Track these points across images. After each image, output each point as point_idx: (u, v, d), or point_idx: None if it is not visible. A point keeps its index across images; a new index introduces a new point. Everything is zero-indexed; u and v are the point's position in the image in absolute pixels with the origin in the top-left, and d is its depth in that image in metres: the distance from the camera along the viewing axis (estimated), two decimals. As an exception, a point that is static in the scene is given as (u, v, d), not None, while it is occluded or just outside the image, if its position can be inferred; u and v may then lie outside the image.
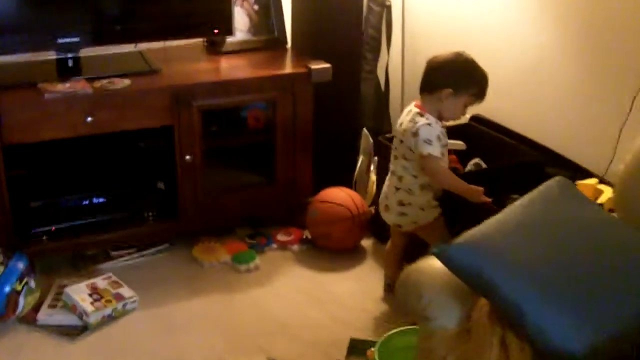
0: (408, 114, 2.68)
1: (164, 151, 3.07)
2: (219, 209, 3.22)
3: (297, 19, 3.48)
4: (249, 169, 3.35)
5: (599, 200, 2.59)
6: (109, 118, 2.91)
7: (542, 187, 2.02)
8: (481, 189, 2.65)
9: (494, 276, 1.71)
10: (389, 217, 2.79)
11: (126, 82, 2.96)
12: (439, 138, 2.61)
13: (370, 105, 3.71)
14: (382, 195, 2.82)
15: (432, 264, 1.92)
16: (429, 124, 2.60)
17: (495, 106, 3.24)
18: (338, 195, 3.19)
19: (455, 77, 2.61)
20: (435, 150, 2.59)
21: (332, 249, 3.19)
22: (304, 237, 3.29)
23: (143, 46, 3.31)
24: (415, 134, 2.60)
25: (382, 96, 3.72)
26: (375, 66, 3.70)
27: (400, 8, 3.64)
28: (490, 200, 2.66)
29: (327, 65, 3.15)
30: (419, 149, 2.59)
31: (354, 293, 2.96)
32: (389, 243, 2.92)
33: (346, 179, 3.48)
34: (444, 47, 3.50)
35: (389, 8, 3.61)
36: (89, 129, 2.90)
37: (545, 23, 3.03)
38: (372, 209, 3.26)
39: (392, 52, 3.67)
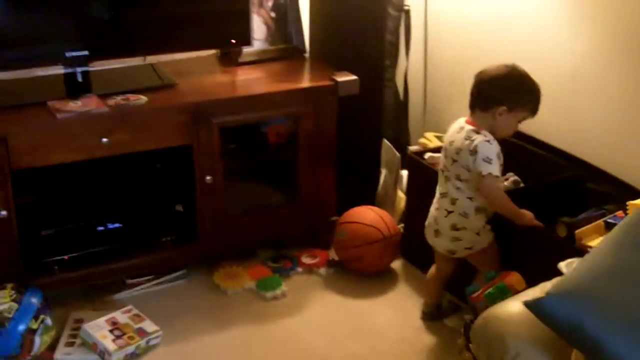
0: (460, 131, 2.52)
1: (182, 172, 2.87)
2: (240, 231, 3.03)
3: (315, 26, 3.29)
4: (270, 188, 3.17)
5: (657, 222, 2.46)
6: (125, 138, 2.70)
7: (625, 222, 1.86)
8: (532, 214, 2.52)
9: (597, 330, 1.56)
10: (440, 243, 2.61)
11: (143, 98, 2.76)
12: (498, 156, 2.46)
13: (389, 115, 3.55)
14: (429, 220, 2.65)
15: (513, 311, 1.77)
16: (488, 141, 2.45)
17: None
18: (367, 215, 3.01)
19: (511, 93, 2.47)
20: (495, 169, 2.43)
21: (362, 272, 3.01)
22: (331, 259, 3.11)
23: (152, 59, 3.07)
24: (474, 151, 2.44)
25: (401, 105, 3.55)
26: (394, 74, 3.52)
27: (422, 12, 3.46)
28: (541, 224, 2.53)
29: (354, 77, 2.97)
30: (478, 167, 2.43)
31: (391, 321, 2.79)
32: (432, 269, 2.75)
33: (369, 195, 3.32)
34: (469, 53, 3.39)
35: (407, 12, 3.42)
36: (104, 151, 2.69)
37: (583, 27, 2.86)
38: (401, 227, 3.11)
39: (411, 58, 3.51)
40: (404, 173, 3.20)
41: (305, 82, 2.97)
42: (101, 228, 2.84)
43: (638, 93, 2.74)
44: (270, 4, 3.15)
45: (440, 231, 2.60)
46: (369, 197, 3.32)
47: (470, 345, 2.29)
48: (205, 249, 2.98)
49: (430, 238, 2.65)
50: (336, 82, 2.93)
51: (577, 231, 2.51)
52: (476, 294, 2.40)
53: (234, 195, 3.00)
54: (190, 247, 2.95)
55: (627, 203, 2.56)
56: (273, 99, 2.89)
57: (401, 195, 3.24)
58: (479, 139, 2.45)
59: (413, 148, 3.47)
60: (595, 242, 2.48)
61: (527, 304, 1.65)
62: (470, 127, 2.51)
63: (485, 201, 2.50)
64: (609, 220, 2.54)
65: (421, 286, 2.94)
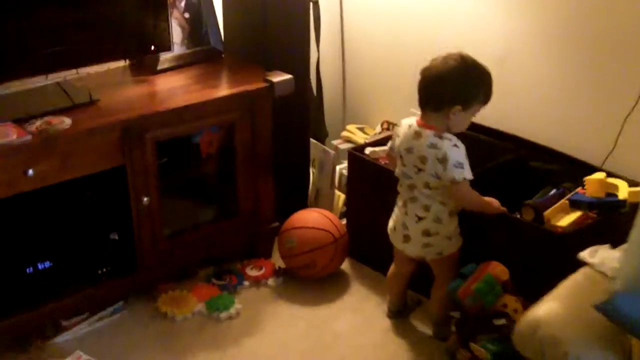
0: (417, 137, 2.38)
1: (115, 196, 2.60)
2: (181, 252, 2.81)
3: (231, 25, 3.07)
4: (207, 201, 2.95)
5: (620, 196, 2.50)
6: (53, 167, 2.41)
7: None
8: (497, 201, 2.47)
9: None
10: (411, 249, 2.50)
11: (66, 121, 2.46)
12: (466, 157, 2.36)
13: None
14: (396, 224, 2.53)
15: (556, 312, 1.73)
16: (455, 145, 2.34)
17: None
18: (313, 218, 2.87)
19: (464, 91, 2.34)
20: (467, 172, 2.34)
21: (313, 277, 2.87)
22: (277, 267, 2.95)
23: (57, 76, 2.72)
24: (443, 160, 2.32)
25: (315, 99, 3.43)
26: (305, 67, 3.40)
27: (336, 2, 3.36)
28: (505, 209, 2.51)
29: (288, 76, 2.79)
30: (451, 174, 2.31)
31: (355, 326, 2.68)
32: (392, 268, 2.66)
33: (301, 197, 3.19)
34: (390, 42, 3.30)
35: (316, 3, 3.31)
36: (30, 185, 2.38)
37: (512, 7, 2.86)
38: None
39: (323, 50, 3.39)
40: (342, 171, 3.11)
41: (239, 86, 2.75)
42: (30, 269, 2.52)
43: (571, 69, 2.79)
44: (182, 4, 2.91)
45: (410, 236, 2.48)
46: (301, 199, 3.20)
47: (473, 345, 2.28)
48: (146, 276, 2.74)
49: (398, 243, 2.54)
50: (271, 82, 2.76)
51: (545, 213, 2.53)
52: (462, 289, 2.35)
53: (170, 214, 2.76)
54: (130, 276, 2.70)
55: (584, 179, 2.60)
56: (208, 107, 2.66)
57: (338, 193, 3.14)
58: (445, 145, 2.33)
59: (336, 142, 3.39)
60: (563, 222, 2.50)
61: (599, 307, 1.59)
62: (428, 131, 2.37)
63: (457, 203, 2.43)
64: (573, 198, 2.56)
65: (375, 284, 2.87)
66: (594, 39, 2.69)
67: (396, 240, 2.55)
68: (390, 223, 2.57)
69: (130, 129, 2.51)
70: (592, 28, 2.67)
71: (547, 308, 1.77)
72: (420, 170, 2.39)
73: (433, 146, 2.34)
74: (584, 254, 1.96)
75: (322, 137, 3.41)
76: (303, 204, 3.17)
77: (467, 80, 2.35)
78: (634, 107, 2.60)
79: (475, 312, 2.34)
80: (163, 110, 2.58)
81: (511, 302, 2.35)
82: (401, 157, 2.44)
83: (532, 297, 2.42)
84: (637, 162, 2.67)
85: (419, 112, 3.17)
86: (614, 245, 2.53)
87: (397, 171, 2.49)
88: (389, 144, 2.56)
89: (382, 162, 2.85)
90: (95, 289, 2.64)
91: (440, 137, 2.34)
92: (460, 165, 2.32)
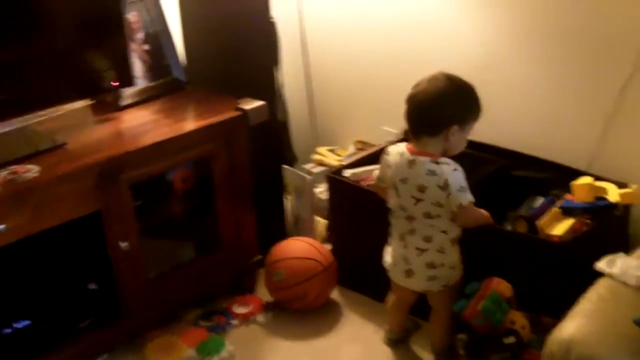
0: (411, 165, 2.26)
1: (91, 244, 2.45)
2: (164, 296, 2.66)
3: (192, 53, 2.96)
4: (188, 239, 2.81)
5: (611, 199, 2.47)
6: (24, 220, 2.22)
7: None
8: (488, 213, 2.40)
9: None
10: (415, 284, 2.39)
11: (34, 168, 2.29)
12: (466, 179, 2.28)
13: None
14: (396, 260, 2.41)
15: (587, 329, 1.68)
16: (454, 170, 2.24)
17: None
18: (299, 248, 2.76)
19: (458, 110, 2.26)
20: (470, 195, 2.25)
21: (304, 309, 2.75)
22: (265, 302, 2.83)
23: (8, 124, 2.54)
24: (445, 186, 2.22)
25: (280, 122, 3.32)
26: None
27: (297, 23, 3.27)
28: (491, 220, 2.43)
29: (261, 102, 2.68)
30: (457, 200, 2.22)
31: (359, 357, 2.57)
32: (391, 297, 2.56)
33: (278, 226, 3.08)
34: (358, 57, 3.23)
35: (273, 25, 3.19)
36: (2, 241, 2.20)
37: (489, 17, 2.83)
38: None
39: (286, 72, 3.29)
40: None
41: (211, 117, 2.62)
42: (8, 330, 2.34)
43: (550, 75, 2.77)
44: (141, 36, 2.79)
45: (413, 271, 2.37)
46: (280, 228, 3.08)
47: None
48: (130, 325, 2.57)
49: (400, 279, 2.42)
50: (244, 111, 2.65)
51: (538, 222, 2.48)
52: (468, 310, 2.28)
53: (151, 257, 2.61)
54: (114, 326, 2.53)
55: (571, 184, 2.58)
56: (183, 141, 2.53)
57: (318, 219, 3.04)
58: (445, 170, 2.23)
59: (307, 166, 3.29)
60: (558, 230, 2.46)
61: (637, 322, 1.53)
62: (422, 158, 2.26)
63: (466, 226, 2.32)
64: (565, 205, 2.53)
65: (369, 311, 2.78)
66: (572, 44, 2.67)
67: (397, 276, 2.42)
68: (388, 258, 2.45)
69: (104, 171, 2.36)
70: (570, 34, 2.66)
71: (577, 325, 1.71)
72: (419, 200, 2.27)
73: (431, 173, 2.24)
74: (602, 265, 1.91)
75: (291, 162, 3.31)
76: (282, 234, 3.05)
77: (460, 98, 2.27)
78: (615, 110, 2.60)
79: (484, 332, 2.28)
80: (137, 149, 2.43)
81: (518, 318, 2.29)
82: (396, 188, 2.33)
83: (536, 310, 2.42)
84: (621, 164, 2.66)
85: (392, 130, 3.16)
86: (614, 247, 2.55)
87: (392, 203, 2.37)
88: (376, 173, 2.45)
89: (364, 185, 2.77)
90: (79, 343, 2.46)
91: (438, 163, 2.25)
92: (463, 189, 2.23)
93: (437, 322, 2.50)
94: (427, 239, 2.32)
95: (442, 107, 2.25)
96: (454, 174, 2.23)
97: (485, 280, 2.34)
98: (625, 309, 1.74)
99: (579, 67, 2.65)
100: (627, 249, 2.60)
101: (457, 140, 2.28)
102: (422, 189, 2.26)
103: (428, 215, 2.29)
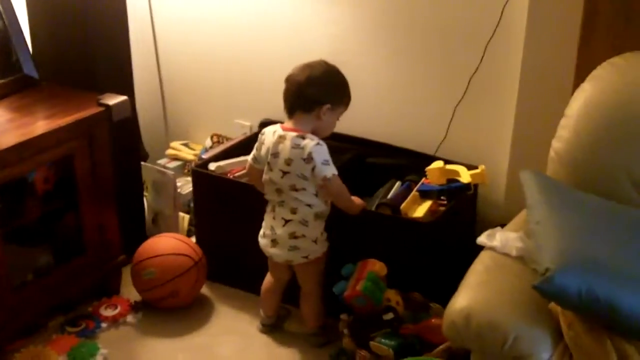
0: (282, 140, 2.38)
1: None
2: (29, 304, 2.52)
3: (42, 48, 2.79)
4: (50, 243, 2.66)
5: (463, 180, 2.65)
6: None
7: (533, 189, 1.98)
8: (361, 201, 2.55)
9: (607, 292, 1.66)
10: (279, 254, 2.47)
11: None
12: (328, 153, 2.41)
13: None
14: (265, 231, 2.50)
15: (484, 298, 1.80)
16: (318, 144, 2.37)
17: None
18: (168, 244, 2.72)
19: (332, 90, 2.42)
20: (334, 168, 2.39)
21: (177, 306, 2.72)
22: (132, 302, 2.76)
23: None
24: (309, 159, 2.35)
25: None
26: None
27: (148, 14, 3.21)
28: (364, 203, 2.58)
29: (123, 97, 2.61)
30: (322, 173, 2.35)
31: (240, 348, 2.59)
32: (267, 281, 2.61)
33: (138, 224, 3.01)
34: (209, 52, 3.24)
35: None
36: None
37: (335, 10, 2.92)
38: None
39: (134, 65, 3.19)
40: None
41: (73, 113, 2.50)
42: None
43: (399, 64, 2.91)
44: (-14, 30, 2.61)
45: (277, 240, 2.46)
46: (139, 226, 3.02)
47: (373, 343, 2.30)
48: (-2, 336, 2.44)
49: (267, 248, 2.51)
50: (108, 106, 2.56)
51: (402, 206, 2.62)
52: (348, 291, 2.37)
53: (13, 264, 2.46)
54: (-22, 340, 2.38)
55: (426, 169, 2.74)
56: (46, 140, 2.41)
57: (181, 215, 3.00)
58: (309, 144, 2.36)
59: (162, 161, 3.24)
60: (419, 212, 2.62)
61: (538, 287, 1.67)
62: (291, 133, 2.39)
63: (334, 201, 2.45)
64: (422, 189, 2.68)
65: (240, 302, 2.80)
66: (419, 30, 2.82)
67: (265, 245, 2.51)
68: (261, 231, 2.53)
69: (-38, 176, 2.22)
70: (417, 22, 2.81)
71: (472, 295, 1.84)
72: (285, 173, 2.39)
73: (297, 146, 2.37)
74: (482, 239, 2.07)
75: (143, 158, 3.24)
76: (142, 232, 3.00)
77: (335, 81, 2.45)
78: (462, 96, 2.80)
79: (364, 311, 2.38)
80: (0, 150, 2.30)
81: (392, 295, 2.42)
82: (268, 163, 2.43)
83: (405, 288, 2.57)
84: (466, 147, 2.87)
85: (245, 123, 3.21)
86: (467, 224, 2.76)
87: (265, 178, 2.46)
88: (251, 155, 2.51)
89: (230, 176, 2.79)
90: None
91: (303, 137, 2.38)
92: (327, 162, 2.38)
93: (306, 301, 2.60)
94: (293, 211, 2.43)
95: (318, 85, 2.41)
96: (317, 147, 2.37)
97: (360, 262, 2.46)
98: (512, 278, 1.91)
99: (428, 58, 2.82)
100: (475, 224, 2.87)
101: (327, 120, 2.43)
102: (288, 162, 2.39)
103: (294, 188, 2.41)
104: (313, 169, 2.35)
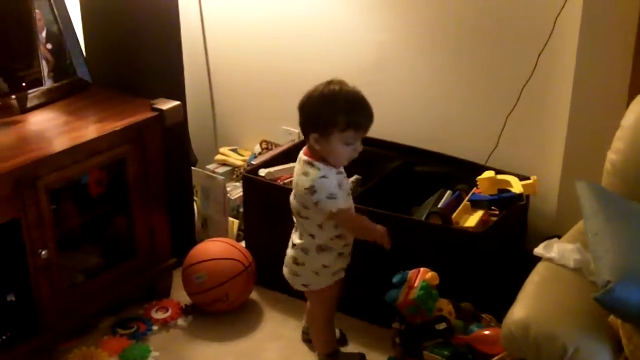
0: (299, 163, 2.30)
1: (10, 253, 2.31)
2: (81, 305, 2.55)
3: (94, 53, 2.84)
4: (102, 245, 2.70)
5: (515, 190, 2.62)
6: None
7: (590, 200, 1.95)
8: (384, 229, 2.32)
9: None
10: (285, 272, 2.43)
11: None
12: (339, 187, 2.27)
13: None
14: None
15: (543, 309, 1.79)
16: (323, 177, 2.23)
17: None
18: (218, 248, 2.73)
19: (312, 118, 2.23)
20: (341, 202, 2.25)
21: (226, 311, 2.73)
22: (183, 306, 2.78)
23: None
24: (312, 191, 2.21)
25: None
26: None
27: (198, 20, 3.22)
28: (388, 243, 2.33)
29: (176, 102, 2.64)
30: (326, 208, 2.22)
31: (285, 353, 2.60)
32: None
33: (189, 229, 3.03)
34: (259, 58, 3.26)
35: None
36: None
37: (383, 18, 2.92)
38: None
39: (185, 71, 3.22)
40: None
41: (127, 117, 2.54)
42: None
43: (450, 72, 2.90)
44: (44, 34, 2.65)
45: (285, 262, 2.42)
46: (189, 231, 3.04)
47: (426, 353, 2.29)
48: (51, 336, 2.46)
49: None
50: (161, 111, 2.59)
51: (453, 216, 2.61)
52: (400, 299, 2.36)
53: (67, 265, 2.51)
54: (34, 338, 2.41)
55: (477, 179, 2.72)
56: (100, 144, 2.45)
57: (231, 220, 3.02)
58: (313, 175, 2.22)
59: (211, 167, 3.26)
60: (470, 222, 2.61)
61: (598, 299, 1.65)
62: (305, 157, 2.28)
63: (345, 231, 2.33)
64: (473, 199, 2.68)
65: (288, 308, 2.80)
66: (470, 39, 2.81)
67: None
68: None
69: (22, 177, 2.24)
70: (468, 30, 2.80)
71: (530, 306, 1.83)
72: (295, 196, 2.32)
73: (305, 174, 2.26)
74: (539, 250, 2.05)
75: (192, 163, 3.26)
76: (191, 236, 3.03)
77: (319, 106, 2.23)
78: (514, 105, 2.78)
79: (415, 320, 2.37)
80: (56, 153, 2.33)
81: (445, 305, 2.40)
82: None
83: (455, 298, 2.55)
84: (517, 157, 2.85)
85: (293, 130, 3.22)
86: (517, 235, 2.74)
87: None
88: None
89: (280, 182, 2.80)
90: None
91: (312, 165, 2.25)
92: (332, 196, 2.22)
93: (313, 326, 2.55)
94: (300, 237, 2.36)
95: (303, 114, 2.27)
96: (320, 181, 2.23)
97: (412, 271, 2.44)
98: (570, 289, 1.89)
99: (479, 67, 2.81)
100: (525, 235, 2.85)
101: (327, 148, 2.24)
102: (295, 186, 2.31)
103: (299, 214, 2.33)
104: (317, 203, 2.23)
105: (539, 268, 2.00)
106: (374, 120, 2.29)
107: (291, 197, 2.35)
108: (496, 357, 2.21)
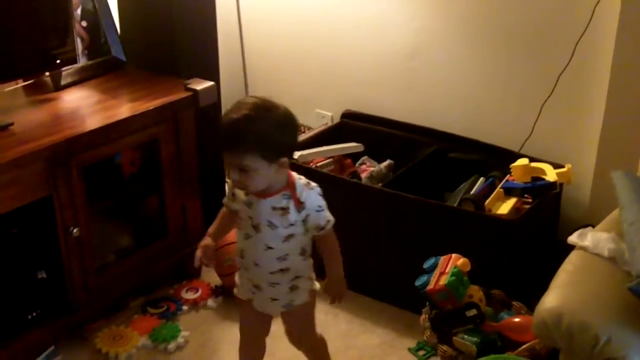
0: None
1: (41, 231, 2.34)
2: (113, 284, 2.57)
3: (129, 31, 2.84)
4: (134, 225, 2.72)
5: (549, 178, 2.60)
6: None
7: (626, 190, 1.92)
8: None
9: None
10: None
11: (-17, 152, 2.16)
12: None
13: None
14: None
15: (576, 298, 1.76)
16: None
17: (368, 97, 3.09)
18: (249, 231, 2.74)
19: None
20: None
21: (255, 293, 2.74)
22: (213, 287, 2.78)
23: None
24: None
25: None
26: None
27: (235, 4, 3.19)
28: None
29: (210, 83, 2.64)
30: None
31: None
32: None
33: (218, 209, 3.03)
34: (295, 44, 3.25)
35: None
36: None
37: (419, 6, 2.90)
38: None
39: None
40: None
41: (161, 97, 2.54)
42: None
43: (485, 59, 2.87)
44: (79, 12, 2.66)
45: None
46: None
47: (456, 339, 2.27)
48: (81, 314, 2.48)
49: None
50: (195, 91, 2.59)
51: (486, 203, 2.58)
52: (431, 286, 2.34)
53: (98, 244, 2.52)
54: (64, 316, 2.43)
55: (510, 166, 2.70)
56: (134, 123, 2.45)
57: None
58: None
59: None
60: (503, 209, 2.58)
61: (633, 288, 1.63)
62: None
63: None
64: (506, 186, 2.65)
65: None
66: (506, 27, 2.77)
67: None
68: None
69: (55, 155, 2.25)
70: (505, 15, 2.76)
71: (563, 294, 1.80)
72: None
73: None
74: (573, 239, 2.02)
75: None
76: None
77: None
78: (550, 93, 2.74)
79: (446, 306, 2.36)
80: (88, 131, 2.34)
81: (475, 292, 2.38)
82: None
83: (486, 285, 2.53)
84: (552, 145, 2.81)
85: (327, 113, 3.22)
86: (550, 224, 2.71)
87: None
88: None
89: (313, 166, 2.79)
90: (29, 337, 2.34)
91: None
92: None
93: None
94: None
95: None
96: None
97: (443, 257, 2.42)
98: (604, 279, 1.86)
99: (515, 54, 2.77)
100: (558, 223, 2.81)
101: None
102: None
103: None
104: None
105: (572, 257, 1.97)
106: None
107: None
108: (526, 345, 2.19)
